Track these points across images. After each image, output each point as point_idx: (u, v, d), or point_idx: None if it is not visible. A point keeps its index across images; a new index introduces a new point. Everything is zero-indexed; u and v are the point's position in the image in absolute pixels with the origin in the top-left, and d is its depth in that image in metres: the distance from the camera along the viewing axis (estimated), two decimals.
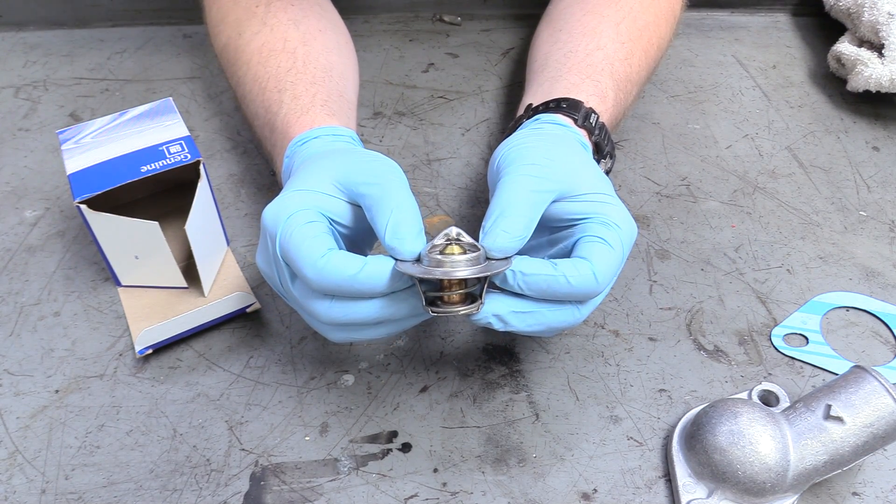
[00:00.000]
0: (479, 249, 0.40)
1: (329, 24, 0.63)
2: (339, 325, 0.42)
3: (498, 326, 0.42)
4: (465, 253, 0.39)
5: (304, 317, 0.44)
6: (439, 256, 0.39)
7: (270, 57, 0.57)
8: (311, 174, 0.44)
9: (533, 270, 0.40)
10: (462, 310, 0.40)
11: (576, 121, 0.51)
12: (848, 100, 0.74)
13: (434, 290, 0.41)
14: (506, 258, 0.40)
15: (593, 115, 0.52)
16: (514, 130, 0.53)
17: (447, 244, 0.39)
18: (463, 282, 0.40)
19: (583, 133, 0.51)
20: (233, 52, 0.60)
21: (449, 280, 0.40)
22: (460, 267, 0.38)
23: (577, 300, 0.42)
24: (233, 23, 0.61)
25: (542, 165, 0.43)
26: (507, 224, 0.40)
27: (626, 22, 0.59)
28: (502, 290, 0.41)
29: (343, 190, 0.43)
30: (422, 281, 0.40)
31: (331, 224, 0.42)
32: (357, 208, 0.43)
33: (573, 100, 0.52)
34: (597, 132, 0.51)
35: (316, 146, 0.49)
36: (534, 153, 0.44)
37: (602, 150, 0.53)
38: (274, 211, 0.42)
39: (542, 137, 0.47)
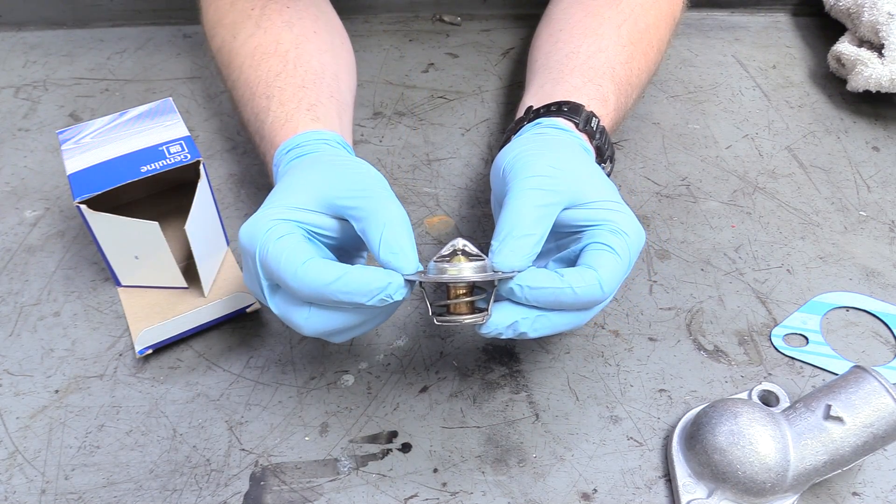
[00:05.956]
0: (484, 259, 0.40)
1: (325, 25, 0.63)
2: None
3: (507, 335, 0.41)
4: (470, 262, 0.39)
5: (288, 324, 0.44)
6: (446, 265, 0.39)
7: (262, 60, 0.57)
8: (289, 190, 0.44)
9: (539, 283, 0.40)
10: (468, 319, 0.40)
11: (577, 125, 0.51)
12: (848, 100, 0.74)
13: (440, 300, 0.41)
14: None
15: (594, 118, 0.52)
16: (515, 133, 0.53)
17: (453, 254, 0.40)
18: (469, 291, 0.40)
19: (584, 137, 0.51)
20: (227, 55, 0.60)
21: (455, 289, 0.40)
22: (467, 273, 0.39)
23: (583, 308, 0.42)
24: (228, 25, 0.61)
25: (549, 176, 0.43)
26: (517, 244, 0.40)
27: (627, 24, 0.59)
28: (508, 300, 0.41)
29: (326, 205, 0.42)
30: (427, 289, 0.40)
31: (314, 235, 0.42)
32: (342, 221, 0.43)
33: (574, 103, 0.52)
34: (597, 136, 0.51)
35: (297, 154, 0.49)
36: (539, 163, 0.44)
37: (603, 154, 0.53)
38: (250, 230, 0.42)
39: (546, 144, 0.47)
